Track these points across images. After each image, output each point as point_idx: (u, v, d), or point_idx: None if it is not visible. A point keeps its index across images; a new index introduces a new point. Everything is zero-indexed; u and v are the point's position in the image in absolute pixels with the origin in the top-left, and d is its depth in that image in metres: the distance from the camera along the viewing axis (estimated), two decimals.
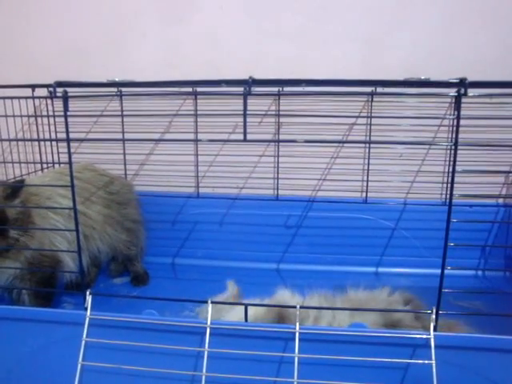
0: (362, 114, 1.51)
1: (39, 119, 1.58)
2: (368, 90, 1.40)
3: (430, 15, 1.44)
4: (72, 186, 0.94)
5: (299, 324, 0.84)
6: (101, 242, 1.33)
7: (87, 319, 0.88)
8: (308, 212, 1.54)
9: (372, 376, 0.84)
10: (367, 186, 1.53)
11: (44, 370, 0.94)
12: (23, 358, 0.94)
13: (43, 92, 1.39)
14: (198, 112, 1.54)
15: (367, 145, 1.52)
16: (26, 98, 1.31)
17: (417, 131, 1.45)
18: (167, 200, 1.57)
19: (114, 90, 1.46)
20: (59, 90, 0.91)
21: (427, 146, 1.51)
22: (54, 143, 1.57)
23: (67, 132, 0.91)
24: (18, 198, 1.11)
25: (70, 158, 0.92)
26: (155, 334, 0.87)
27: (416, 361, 0.83)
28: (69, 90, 0.90)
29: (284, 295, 1.08)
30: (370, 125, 1.48)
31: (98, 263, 1.45)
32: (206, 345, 0.83)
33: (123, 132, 1.56)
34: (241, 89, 0.85)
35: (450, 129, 1.47)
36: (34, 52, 1.61)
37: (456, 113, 0.83)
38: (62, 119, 0.90)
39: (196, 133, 1.56)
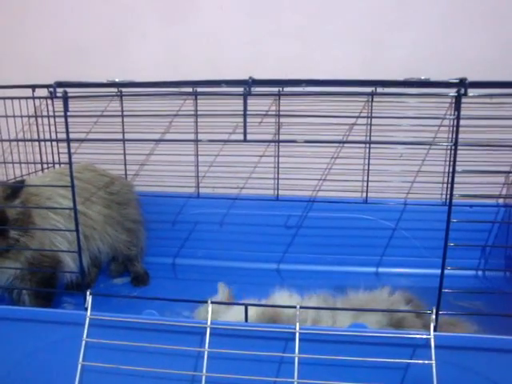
0: (362, 114, 1.51)
1: (39, 119, 1.58)
2: (368, 90, 1.40)
3: (431, 15, 1.44)
4: (72, 187, 0.94)
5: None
6: (101, 242, 1.33)
7: (87, 319, 0.88)
8: (308, 212, 1.54)
9: (372, 376, 0.84)
10: (367, 186, 1.53)
11: (44, 370, 0.94)
12: (23, 358, 0.94)
13: (43, 92, 1.38)
14: (198, 112, 1.54)
15: (367, 145, 1.52)
16: (27, 98, 1.30)
17: (417, 131, 1.45)
18: (167, 200, 1.57)
19: (114, 90, 1.46)
20: (59, 90, 0.91)
21: (427, 146, 1.51)
22: (54, 143, 1.57)
23: (67, 132, 0.91)
24: (18, 199, 1.11)
25: (70, 158, 0.92)
26: (155, 334, 0.87)
27: (416, 361, 0.83)
28: (69, 90, 0.90)
29: (282, 296, 1.07)
30: (370, 125, 1.48)
31: (99, 263, 1.45)
32: (206, 345, 0.83)
33: (123, 132, 1.56)
34: (241, 89, 0.85)
35: (450, 129, 1.47)
36: (34, 52, 1.61)
37: (456, 113, 0.82)
38: (62, 119, 0.90)
39: (196, 133, 1.56)
